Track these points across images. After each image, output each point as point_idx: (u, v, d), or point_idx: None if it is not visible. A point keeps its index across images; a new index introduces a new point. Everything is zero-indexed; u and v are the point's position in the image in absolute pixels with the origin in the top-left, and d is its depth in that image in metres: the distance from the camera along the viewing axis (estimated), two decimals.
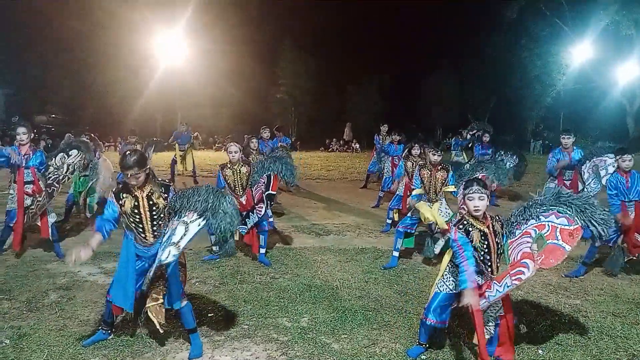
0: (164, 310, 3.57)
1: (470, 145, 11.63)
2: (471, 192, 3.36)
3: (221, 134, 26.21)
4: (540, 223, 3.37)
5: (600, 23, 22.88)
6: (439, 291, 3.58)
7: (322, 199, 10.44)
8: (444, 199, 5.82)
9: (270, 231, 7.30)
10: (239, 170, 5.74)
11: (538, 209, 3.43)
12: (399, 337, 3.96)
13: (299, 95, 28.71)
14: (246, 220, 5.65)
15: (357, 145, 24.67)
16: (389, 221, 7.46)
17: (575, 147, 7.09)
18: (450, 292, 3.54)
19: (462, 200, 3.47)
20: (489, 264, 3.39)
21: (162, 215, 3.50)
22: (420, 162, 6.29)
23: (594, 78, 24.93)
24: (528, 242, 3.31)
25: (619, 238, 5.40)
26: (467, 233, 3.36)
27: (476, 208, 3.35)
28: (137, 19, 23.70)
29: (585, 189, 6.73)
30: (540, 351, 3.76)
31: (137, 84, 24.71)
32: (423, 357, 3.65)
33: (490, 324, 3.47)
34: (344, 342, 3.88)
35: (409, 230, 5.80)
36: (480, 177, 5.45)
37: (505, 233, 3.46)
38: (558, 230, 3.32)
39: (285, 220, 8.28)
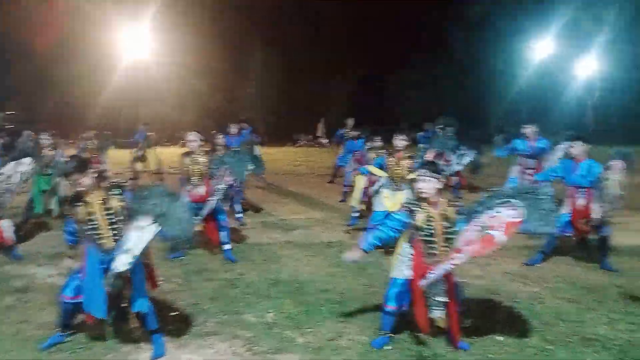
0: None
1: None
2: (419, 174, 3.53)
3: (188, 129, 25.76)
4: (492, 214, 3.41)
5: (562, 19, 23.55)
6: (395, 277, 3.66)
7: (290, 194, 10.44)
8: (409, 189, 5.83)
9: (237, 227, 7.31)
10: (197, 159, 5.69)
11: (497, 200, 3.48)
12: (364, 329, 4.00)
13: (267, 90, 28.55)
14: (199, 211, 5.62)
15: (326, 140, 24.71)
16: (356, 215, 7.50)
17: (539, 139, 7.29)
18: (406, 277, 3.61)
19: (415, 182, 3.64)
20: (433, 245, 3.49)
21: (120, 218, 3.42)
22: (387, 152, 6.31)
23: (556, 72, 25.67)
24: (477, 230, 3.37)
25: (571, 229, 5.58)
26: (411, 212, 3.50)
27: (420, 190, 3.50)
28: (99, 11, 23.08)
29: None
30: (499, 338, 3.87)
31: (99, 79, 24.06)
32: (387, 347, 3.71)
33: (438, 307, 3.54)
34: (309, 336, 3.90)
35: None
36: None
37: (463, 220, 3.49)
38: (503, 221, 3.33)
39: (253, 215, 8.25)
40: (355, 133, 9.74)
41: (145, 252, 3.38)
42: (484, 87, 28.44)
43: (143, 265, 3.55)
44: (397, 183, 5.71)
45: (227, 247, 5.78)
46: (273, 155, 18.75)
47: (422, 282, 3.46)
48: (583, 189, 5.45)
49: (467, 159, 9.03)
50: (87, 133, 9.81)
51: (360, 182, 7.05)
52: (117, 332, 3.74)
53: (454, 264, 3.37)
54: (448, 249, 3.48)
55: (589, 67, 24.44)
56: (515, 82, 27.36)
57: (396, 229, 3.58)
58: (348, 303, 4.52)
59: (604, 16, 22.70)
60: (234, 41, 27.42)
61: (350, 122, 11.35)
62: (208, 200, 5.61)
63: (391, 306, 3.64)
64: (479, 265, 5.67)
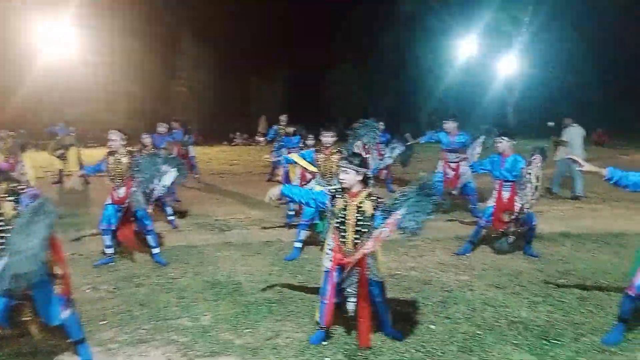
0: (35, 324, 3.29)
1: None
2: (340, 164, 3.67)
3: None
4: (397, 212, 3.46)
5: (483, 19, 24.73)
6: (327, 269, 3.72)
7: (226, 194, 10.26)
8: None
9: (170, 230, 7.08)
10: (120, 159, 5.47)
11: (404, 199, 3.48)
12: (302, 326, 4.01)
13: (200, 89, 27.85)
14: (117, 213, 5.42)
15: (262, 139, 24.48)
16: (291, 212, 7.51)
17: (460, 133, 7.62)
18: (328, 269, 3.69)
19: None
20: (344, 234, 3.58)
21: (8, 227, 3.07)
22: (316, 148, 6.31)
23: (479, 70, 26.92)
24: (385, 226, 3.44)
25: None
26: (333, 197, 3.63)
27: (341, 180, 3.60)
28: (19, 4, 21.44)
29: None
30: (432, 326, 4.01)
31: (17, 77, 22.42)
32: (324, 343, 3.73)
33: (351, 299, 3.65)
34: (247, 337, 3.85)
35: (313, 222, 5.88)
36: None
37: (381, 216, 3.52)
38: (394, 218, 3.40)
39: (187, 217, 8.02)
40: (291, 129, 9.72)
41: (49, 264, 3.15)
42: (414, 85, 29.36)
43: (51, 277, 3.24)
44: (328, 178, 5.74)
45: (155, 250, 5.59)
46: (208, 154, 18.40)
47: (338, 275, 3.61)
48: (508, 183, 5.75)
49: (397, 152, 9.41)
50: (1, 131, 9.07)
51: (295, 178, 7.08)
52: (38, 341, 3.51)
53: (356, 257, 3.49)
54: (358, 241, 3.55)
55: (509, 66, 25.85)
56: (443, 80, 28.43)
57: (314, 199, 3.74)
58: (286, 301, 4.51)
59: (521, 18, 24.11)
60: (164, 39, 26.51)
61: (284, 118, 11.32)
62: (127, 202, 5.40)
63: (324, 298, 3.69)
64: (413, 257, 5.86)
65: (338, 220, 3.61)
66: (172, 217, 7.38)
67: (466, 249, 6.01)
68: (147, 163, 5.51)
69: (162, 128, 9.35)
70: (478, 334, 3.87)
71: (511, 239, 5.82)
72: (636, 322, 3.92)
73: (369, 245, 3.45)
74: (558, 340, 3.74)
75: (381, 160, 9.82)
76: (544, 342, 3.73)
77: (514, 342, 3.74)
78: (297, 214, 7.32)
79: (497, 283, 4.98)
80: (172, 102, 27.95)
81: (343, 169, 3.58)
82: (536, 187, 5.56)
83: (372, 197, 3.58)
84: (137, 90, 24.90)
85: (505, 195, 5.73)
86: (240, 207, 8.87)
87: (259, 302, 4.46)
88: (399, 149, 9.41)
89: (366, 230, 3.55)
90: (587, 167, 4.00)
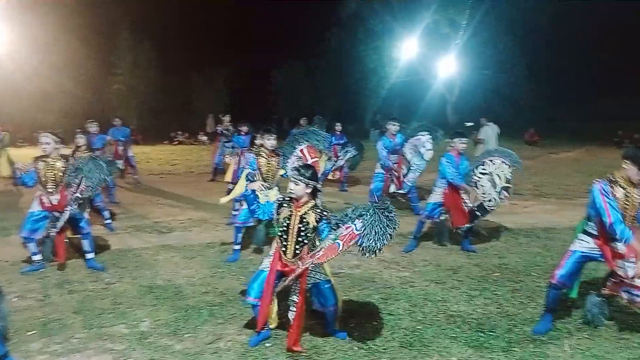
0: None
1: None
2: (291, 175, 3.63)
3: (51, 129, 23.29)
4: (349, 225, 3.48)
5: (423, 21, 25.41)
6: (259, 269, 3.74)
7: (167, 195, 9.96)
8: (276, 186, 5.82)
9: (107, 234, 6.79)
10: (53, 164, 5.15)
11: (357, 212, 3.49)
12: (244, 329, 3.95)
13: (140, 86, 26.87)
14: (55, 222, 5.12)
15: (205, 138, 24.00)
16: (235, 212, 7.39)
17: (398, 133, 7.81)
18: (264, 269, 3.69)
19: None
20: (284, 243, 3.59)
21: None
22: (255, 150, 6.21)
23: (420, 71, 27.66)
24: (331, 239, 3.48)
25: (442, 214, 6.07)
26: (279, 205, 3.62)
27: (290, 190, 3.58)
28: None
29: (410, 169, 7.48)
30: (374, 323, 4.07)
31: None
32: (267, 345, 3.69)
33: (291, 310, 3.67)
34: (188, 342, 3.75)
35: (248, 224, 5.79)
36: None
37: (327, 228, 3.53)
38: (349, 233, 3.43)
39: (125, 220, 7.71)
40: (245, 128, 9.57)
41: None
42: (359, 85, 29.76)
43: None
44: (269, 181, 5.68)
45: (90, 255, 5.32)
46: (148, 154, 17.80)
47: (279, 284, 3.61)
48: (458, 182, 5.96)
49: (349, 155, 9.61)
50: None
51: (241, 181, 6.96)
52: None
53: (303, 268, 3.50)
54: (298, 251, 3.56)
55: (448, 67, 26.71)
56: (387, 80, 29.00)
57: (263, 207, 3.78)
58: (228, 304, 4.43)
59: (458, 20, 24.99)
60: (100, 35, 25.37)
61: (226, 118, 11.13)
62: (64, 210, 5.10)
63: (251, 299, 3.66)
64: (356, 255, 5.89)
65: (281, 229, 3.60)
66: (109, 221, 7.08)
67: (412, 246, 6.16)
68: (92, 167, 5.24)
69: (93, 127, 8.90)
70: (418, 329, 3.97)
71: (445, 231, 6.06)
72: (563, 312, 4.16)
73: (318, 257, 3.46)
74: (493, 332, 3.90)
75: (335, 161, 10.01)
76: (480, 334, 3.88)
77: (452, 335, 3.85)
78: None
79: (437, 279, 5.13)
80: (109, 99, 26.82)
81: (293, 179, 3.55)
82: (503, 188, 5.78)
83: (316, 209, 3.58)
84: (71, 87, 23.69)
85: (454, 193, 5.92)
86: (181, 209, 8.64)
87: (200, 306, 4.36)
88: (351, 152, 9.62)
89: (307, 241, 3.56)
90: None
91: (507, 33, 26.06)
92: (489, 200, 5.84)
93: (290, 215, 3.58)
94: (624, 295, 3.75)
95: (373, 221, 3.35)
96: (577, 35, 27.35)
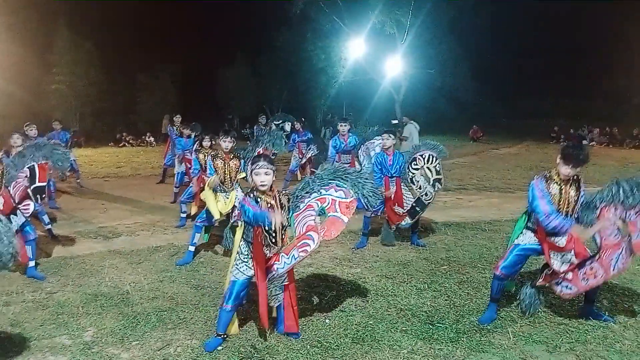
0: None
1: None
2: (257, 167, 3.48)
3: None
4: (321, 197, 3.63)
5: (369, 22, 25.77)
6: (235, 279, 3.62)
7: (112, 199, 9.60)
8: (239, 187, 5.82)
9: (47, 240, 6.47)
10: None
11: (319, 183, 3.67)
12: (195, 333, 3.87)
13: (81, 86, 25.72)
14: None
15: (152, 139, 23.35)
16: (183, 215, 7.24)
17: (350, 133, 7.87)
18: (246, 277, 3.62)
19: (250, 176, 3.58)
20: (274, 235, 3.54)
21: None
22: (212, 153, 6.15)
23: (368, 71, 28.04)
24: (312, 215, 3.55)
25: (383, 209, 6.17)
26: (256, 201, 3.49)
27: (262, 183, 3.49)
28: None
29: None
30: (327, 320, 4.09)
31: None
32: (220, 348, 3.63)
33: (278, 293, 3.69)
34: (135, 349, 3.63)
35: (207, 224, 5.72)
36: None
37: (292, 207, 3.63)
38: (337, 203, 3.59)
39: (67, 226, 7.37)
40: (187, 131, 9.36)
41: None
42: (308, 84, 29.82)
43: None
44: (227, 184, 5.62)
45: (31, 264, 5.06)
46: (91, 156, 17.11)
47: (271, 275, 3.56)
48: (393, 178, 6.07)
49: (311, 153, 9.74)
50: None
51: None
52: None
53: (304, 252, 3.49)
54: (284, 237, 3.59)
55: (395, 67, 27.23)
56: (336, 79, 29.21)
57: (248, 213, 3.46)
58: (178, 308, 4.32)
59: (403, 21, 25.51)
60: (38, 31, 24.11)
61: (177, 119, 10.86)
62: (22, 207, 4.84)
63: (230, 305, 3.58)
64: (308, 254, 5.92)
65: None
66: (49, 226, 6.74)
67: (363, 242, 6.24)
68: (49, 150, 4.99)
69: (32, 131, 8.40)
70: (370, 324, 4.02)
71: (394, 227, 6.17)
72: (507, 301, 4.33)
73: (327, 234, 3.49)
74: (441, 324, 4.01)
75: (301, 159, 10.09)
76: (430, 326, 3.97)
77: (403, 329, 3.93)
78: (190, 216, 7.12)
79: (387, 273, 5.22)
80: (49, 100, 25.54)
81: (265, 170, 3.47)
82: (436, 180, 5.94)
83: (280, 192, 3.63)
84: (6, 86, 22.40)
85: (392, 190, 6.02)
86: (128, 212, 8.36)
87: (148, 312, 4.23)
88: (312, 150, 9.80)
89: (287, 224, 3.58)
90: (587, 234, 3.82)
91: (449, 33, 26.87)
92: (425, 195, 5.99)
93: (272, 206, 3.50)
94: (556, 288, 3.94)
95: (354, 186, 3.53)
96: (515, 38, 28.66)
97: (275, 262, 3.56)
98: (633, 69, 25.67)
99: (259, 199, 3.50)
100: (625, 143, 20.28)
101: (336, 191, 3.63)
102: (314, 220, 3.56)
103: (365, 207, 3.79)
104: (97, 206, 8.92)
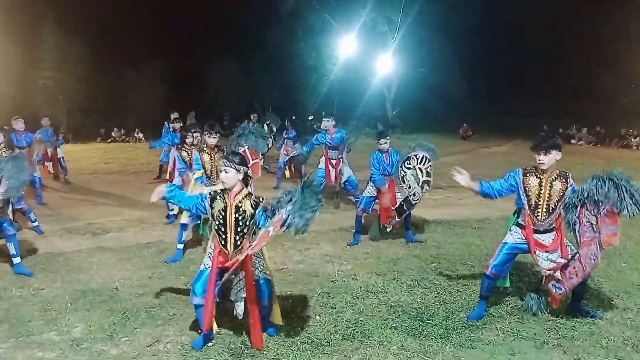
0: None
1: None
2: (222, 164, 3.53)
3: None
4: (283, 208, 3.39)
5: (360, 19, 25.77)
6: (200, 269, 3.63)
7: (101, 195, 9.52)
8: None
9: (35, 237, 6.41)
10: None
11: (289, 196, 3.42)
12: (184, 330, 3.86)
13: (68, 81, 25.41)
14: None
15: (141, 135, 23.16)
16: (172, 212, 7.20)
17: (337, 129, 7.85)
18: (206, 268, 3.59)
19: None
20: (224, 236, 3.52)
21: None
22: (197, 147, 6.08)
23: (359, 69, 28.04)
24: (265, 227, 3.41)
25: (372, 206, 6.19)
26: (213, 200, 3.53)
27: (222, 179, 3.52)
28: None
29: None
30: (317, 317, 4.09)
31: None
32: (210, 344, 3.63)
33: (240, 302, 3.64)
34: (124, 345, 3.61)
35: (197, 221, 5.69)
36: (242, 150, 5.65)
37: (263, 216, 3.50)
38: (278, 217, 3.34)
39: (54, 222, 7.29)
40: (177, 126, 9.28)
41: None
42: (298, 82, 29.76)
43: None
44: (214, 179, 5.59)
45: (16, 260, 5.01)
46: (79, 152, 16.94)
47: (224, 277, 3.52)
48: (387, 177, 6.11)
49: (296, 152, 9.72)
50: None
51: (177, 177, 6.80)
52: None
53: (239, 259, 3.40)
54: (239, 242, 3.51)
55: (386, 65, 27.26)
56: (327, 77, 29.18)
57: (195, 204, 3.61)
58: (168, 304, 4.31)
59: (394, 19, 25.55)
60: (26, 26, 23.79)
61: (174, 115, 10.73)
62: None
63: (197, 299, 3.53)
64: (299, 250, 5.93)
65: (217, 222, 3.51)
66: (36, 223, 6.67)
67: (356, 240, 6.26)
68: (13, 166, 4.91)
69: (19, 125, 8.31)
70: (360, 320, 4.03)
71: (388, 228, 6.17)
72: (495, 297, 4.37)
73: (253, 246, 3.37)
74: (431, 320, 4.03)
75: (287, 155, 10.10)
76: (420, 322, 3.99)
77: (393, 325, 3.95)
78: (179, 213, 7.07)
79: (378, 270, 5.23)
80: (36, 95, 25.23)
81: (223, 168, 3.48)
82: (425, 182, 5.95)
83: (251, 197, 3.56)
84: None
85: (385, 188, 6.05)
86: (117, 209, 8.30)
87: (138, 308, 4.21)
88: (297, 151, 9.79)
89: (247, 231, 3.52)
90: (463, 181, 4.28)
91: (440, 32, 26.95)
92: (413, 194, 6.00)
93: (225, 207, 3.50)
94: (552, 290, 3.99)
95: (300, 201, 3.31)
96: (505, 38, 28.85)
97: (226, 267, 3.50)
98: (620, 69, 25.94)
99: (218, 197, 3.53)
100: (613, 143, 20.52)
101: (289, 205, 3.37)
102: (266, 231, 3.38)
103: (287, 226, 3.31)
104: (85, 202, 8.84)
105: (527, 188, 3.93)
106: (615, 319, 4.06)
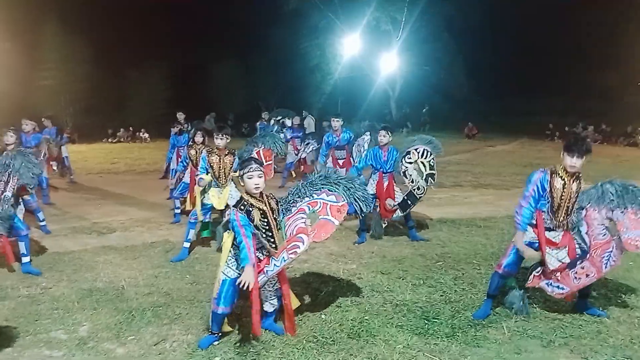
0: None
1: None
2: (250, 170, 3.41)
3: None
4: (313, 200, 3.63)
5: (364, 18, 25.77)
6: (225, 278, 3.55)
7: (106, 195, 9.57)
8: (233, 183, 5.81)
9: (42, 236, 6.45)
10: None
11: (311, 188, 3.68)
12: (190, 328, 3.87)
13: (72, 82, 25.53)
14: None
15: (146, 135, 23.24)
16: (177, 211, 7.22)
17: (344, 129, 7.87)
18: (237, 275, 3.56)
19: (242, 180, 3.52)
20: (272, 240, 3.51)
21: None
22: (207, 148, 6.13)
23: (363, 67, 28.06)
24: (303, 217, 3.54)
25: (375, 205, 6.18)
26: (248, 213, 3.42)
27: (256, 186, 3.43)
28: None
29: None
30: (323, 316, 4.09)
31: None
32: (215, 343, 3.64)
33: (272, 298, 3.66)
34: (131, 344, 3.63)
35: (204, 220, 5.72)
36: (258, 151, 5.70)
37: (282, 210, 3.64)
38: (328, 206, 3.59)
39: (61, 221, 7.34)
40: (176, 128, 9.32)
41: None
42: (302, 81, 29.78)
43: None
44: (222, 180, 5.60)
45: (25, 259, 5.04)
46: (85, 153, 17.06)
47: (261, 279, 3.47)
48: (386, 174, 6.09)
49: (311, 148, 9.70)
50: None
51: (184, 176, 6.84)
52: None
53: (294, 254, 3.42)
54: (278, 241, 3.54)
55: (390, 63, 27.26)
56: (330, 76, 29.20)
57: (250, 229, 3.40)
58: (174, 304, 4.32)
59: (398, 18, 25.53)
60: (28, 27, 23.92)
61: (180, 115, 10.72)
62: None
63: (223, 307, 3.51)
64: (305, 250, 5.92)
65: (264, 230, 3.44)
66: (43, 223, 6.71)
67: (362, 238, 6.27)
68: (21, 161, 4.95)
69: (27, 126, 8.38)
70: (366, 319, 4.03)
71: (384, 223, 6.18)
72: (502, 296, 4.35)
73: (314, 236, 3.45)
74: (437, 319, 4.02)
75: (297, 154, 10.10)
76: (425, 321, 3.99)
77: (399, 324, 3.94)
78: (186, 213, 7.08)
79: (383, 269, 5.23)
80: (39, 95, 25.33)
81: (258, 173, 3.41)
82: (429, 175, 5.95)
83: (270, 195, 3.60)
84: None
85: (385, 184, 6.04)
86: (122, 208, 8.33)
87: (144, 307, 4.22)
88: (312, 145, 9.74)
89: (282, 227, 3.59)
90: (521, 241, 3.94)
91: (444, 31, 26.90)
92: (418, 188, 5.99)
93: (265, 213, 3.46)
94: (547, 289, 3.97)
95: (345, 190, 3.56)
96: (509, 36, 28.74)
97: (266, 266, 3.50)
98: (625, 67, 25.80)
99: (251, 208, 3.42)
100: (619, 141, 20.42)
101: (328, 195, 3.62)
102: (304, 222, 3.52)
103: (357, 212, 3.74)
104: (92, 202, 8.89)
105: (553, 189, 3.84)
106: (622, 318, 4.04)
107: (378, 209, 6.17)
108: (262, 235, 3.45)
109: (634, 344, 3.62)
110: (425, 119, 26.72)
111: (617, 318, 4.04)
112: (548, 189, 3.84)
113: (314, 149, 9.90)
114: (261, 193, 3.52)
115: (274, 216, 3.53)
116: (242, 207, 3.43)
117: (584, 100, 28.75)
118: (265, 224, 3.47)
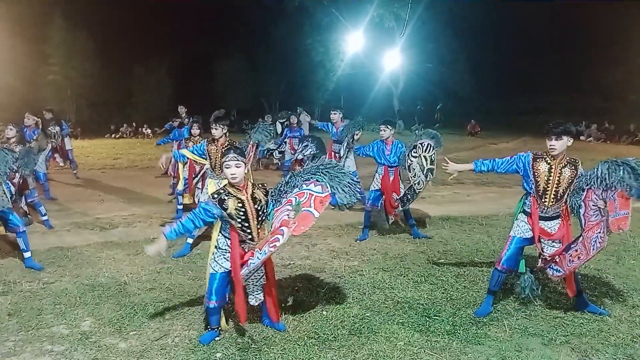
0: None
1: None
2: (227, 159, 3.41)
3: None
4: (301, 191, 3.53)
5: (368, 15, 25.71)
6: (214, 272, 3.57)
7: (109, 190, 9.59)
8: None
9: (45, 231, 6.47)
10: None
11: (301, 178, 3.60)
12: (192, 324, 3.88)
13: (77, 77, 25.59)
14: None
15: (149, 131, 23.28)
16: (180, 207, 7.23)
17: (344, 123, 7.84)
18: (225, 270, 3.56)
19: (221, 169, 3.54)
20: (249, 231, 3.48)
21: None
22: (207, 138, 6.09)
23: (366, 64, 28.02)
24: (288, 209, 3.46)
25: (382, 200, 6.17)
26: (222, 202, 3.40)
27: (232, 175, 3.42)
28: None
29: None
30: (324, 312, 4.10)
31: None
32: (217, 339, 3.64)
33: (258, 293, 3.64)
34: (133, 339, 3.64)
35: None
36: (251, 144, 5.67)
37: (272, 201, 3.59)
38: (313, 197, 3.46)
39: (64, 217, 7.36)
40: (177, 121, 9.32)
41: None
42: (305, 77, 29.75)
43: None
44: (219, 170, 5.58)
45: (27, 254, 5.06)
46: (87, 148, 17.09)
47: (244, 271, 3.45)
48: (392, 168, 6.07)
49: (308, 151, 9.59)
50: None
51: (183, 171, 6.82)
52: None
53: (274, 247, 3.34)
54: (260, 232, 3.53)
55: (393, 60, 27.19)
56: (334, 73, 29.16)
57: (202, 220, 3.45)
58: (176, 299, 4.33)
59: (402, 15, 25.45)
60: (35, 23, 23.94)
61: (182, 110, 10.73)
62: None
63: (214, 302, 3.54)
64: (305, 246, 5.94)
65: (239, 220, 3.43)
66: (46, 217, 6.73)
67: (365, 235, 6.26)
68: (28, 158, 4.99)
69: (29, 120, 8.40)
70: (367, 316, 4.03)
71: (391, 219, 6.17)
72: (502, 294, 4.36)
73: (295, 228, 3.31)
74: (438, 316, 4.03)
75: (293, 154, 10.05)
76: (426, 318, 3.99)
77: (400, 321, 3.95)
78: (187, 208, 7.08)
79: (385, 266, 5.23)
80: (44, 91, 25.40)
81: (235, 162, 3.40)
82: (429, 170, 5.93)
83: (258, 185, 3.58)
84: (1, 78, 22.28)
85: (390, 179, 6.04)
86: (125, 204, 8.35)
87: (146, 302, 4.24)
88: (311, 149, 9.63)
89: (265, 218, 3.55)
90: (454, 167, 4.40)
91: (447, 28, 26.82)
92: (417, 183, 5.97)
93: (242, 202, 3.44)
94: (548, 271, 3.99)
95: (332, 180, 3.47)
96: (512, 34, 28.65)
97: (250, 258, 3.47)
98: (629, 65, 25.67)
99: (226, 197, 3.40)
100: (622, 139, 20.35)
101: (315, 186, 3.52)
102: (288, 215, 3.43)
103: (339, 203, 3.58)
104: (94, 197, 8.91)
105: (536, 173, 3.89)
106: (624, 316, 4.04)
107: (383, 204, 6.15)
108: (236, 225, 3.44)
109: (635, 343, 3.61)
110: (439, 116, 26.70)
111: (618, 316, 4.03)
112: (531, 172, 3.91)
113: (312, 153, 9.83)
114: (247, 183, 3.52)
115: (256, 206, 3.48)
116: (216, 196, 3.44)
117: (587, 98, 28.68)
118: (242, 213, 3.43)
